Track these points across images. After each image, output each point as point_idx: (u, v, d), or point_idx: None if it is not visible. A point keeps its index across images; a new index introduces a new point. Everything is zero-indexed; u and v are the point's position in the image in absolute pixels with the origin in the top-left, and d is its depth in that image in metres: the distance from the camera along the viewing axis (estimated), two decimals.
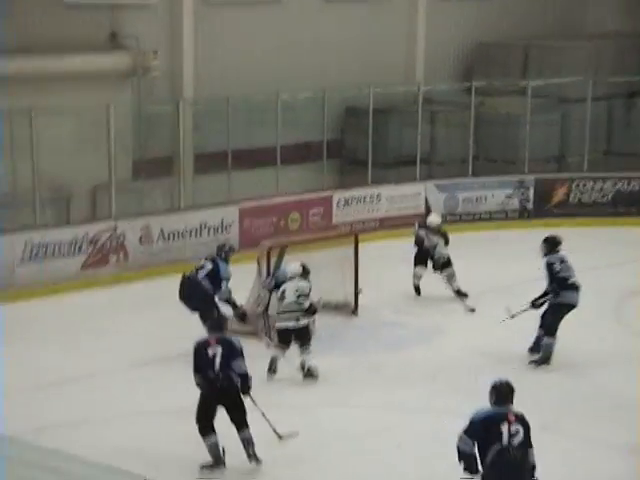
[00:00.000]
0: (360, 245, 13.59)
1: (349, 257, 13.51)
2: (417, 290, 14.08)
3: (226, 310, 12.14)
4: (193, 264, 15.18)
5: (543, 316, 11.92)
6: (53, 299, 13.96)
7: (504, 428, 7.29)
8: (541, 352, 11.83)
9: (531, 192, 18.79)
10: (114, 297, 14.40)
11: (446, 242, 13.94)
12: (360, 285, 13.28)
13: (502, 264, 15.61)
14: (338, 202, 17.51)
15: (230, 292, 12.21)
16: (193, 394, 9.24)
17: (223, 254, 12.59)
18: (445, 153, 19.37)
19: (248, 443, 9.23)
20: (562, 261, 11.82)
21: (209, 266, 12.29)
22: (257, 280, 12.80)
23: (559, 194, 18.91)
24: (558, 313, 11.78)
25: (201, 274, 12.28)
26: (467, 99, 19.25)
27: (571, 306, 11.83)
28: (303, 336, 11.30)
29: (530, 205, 18.81)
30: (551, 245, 11.91)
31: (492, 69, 20.60)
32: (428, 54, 20.59)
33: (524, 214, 18.81)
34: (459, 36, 21.10)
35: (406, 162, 18.90)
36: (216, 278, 12.18)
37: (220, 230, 15.96)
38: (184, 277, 12.39)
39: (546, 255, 11.86)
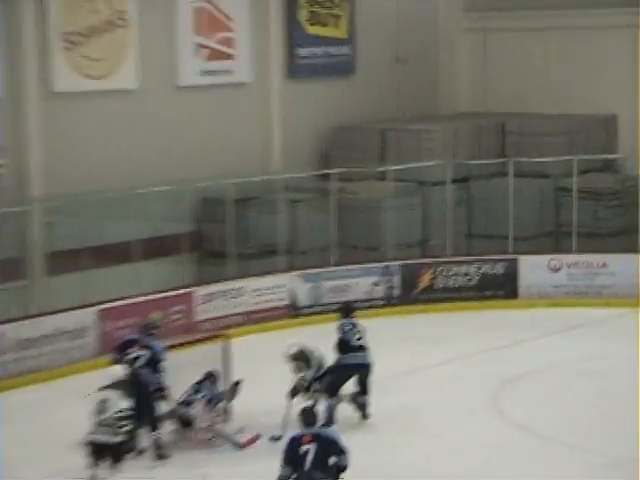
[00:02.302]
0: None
1: (217, 357, 13.40)
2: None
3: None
4: (51, 373, 15.14)
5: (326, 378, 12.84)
6: None
7: None
8: (325, 414, 12.49)
9: (396, 278, 19.07)
10: None
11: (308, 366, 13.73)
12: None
13: (375, 358, 15.69)
14: (200, 298, 17.42)
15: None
16: None
17: (153, 332, 12.41)
18: (307, 241, 19.55)
19: None
20: (353, 325, 13.10)
21: (146, 354, 12.08)
22: None
23: (424, 279, 19.24)
24: (340, 373, 12.82)
25: (138, 364, 12.04)
26: (327, 185, 19.58)
27: (356, 366, 12.85)
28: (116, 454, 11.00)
29: (396, 292, 19.09)
30: (345, 312, 13.28)
31: (350, 154, 21.02)
32: (285, 140, 20.86)
33: (390, 301, 19.07)
34: (315, 121, 21.49)
35: (268, 252, 19.03)
36: (156, 364, 12.02)
37: (78, 335, 15.69)
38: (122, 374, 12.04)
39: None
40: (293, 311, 18.45)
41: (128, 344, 12.50)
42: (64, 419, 13.25)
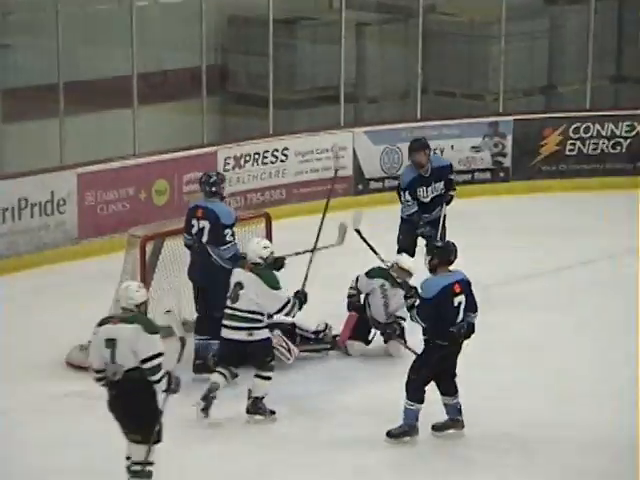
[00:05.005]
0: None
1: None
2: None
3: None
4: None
5: None
6: None
7: None
8: None
9: (508, 141, 19.22)
10: None
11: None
12: None
13: (474, 253, 15.68)
14: (225, 162, 17.61)
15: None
16: None
17: (214, 190, 12.62)
18: (379, 84, 19.73)
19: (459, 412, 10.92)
20: None
21: (206, 224, 12.45)
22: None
23: (550, 143, 19.36)
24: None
25: (204, 239, 12.47)
26: (410, 1, 19.57)
27: None
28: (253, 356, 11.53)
29: (508, 161, 19.21)
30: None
31: None
32: None
33: (500, 174, 19.22)
34: None
35: (323, 99, 19.24)
36: (219, 230, 12.39)
37: (50, 209, 15.97)
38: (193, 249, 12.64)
39: None
40: (357, 185, 18.72)
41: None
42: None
